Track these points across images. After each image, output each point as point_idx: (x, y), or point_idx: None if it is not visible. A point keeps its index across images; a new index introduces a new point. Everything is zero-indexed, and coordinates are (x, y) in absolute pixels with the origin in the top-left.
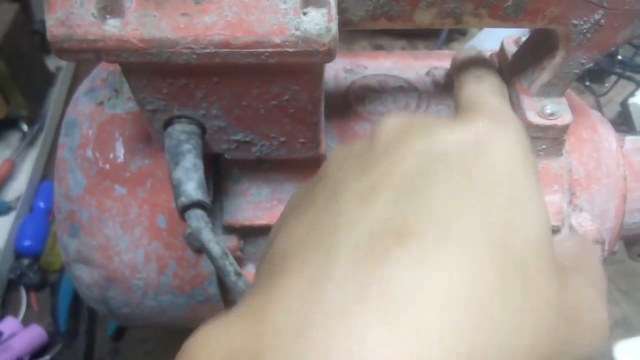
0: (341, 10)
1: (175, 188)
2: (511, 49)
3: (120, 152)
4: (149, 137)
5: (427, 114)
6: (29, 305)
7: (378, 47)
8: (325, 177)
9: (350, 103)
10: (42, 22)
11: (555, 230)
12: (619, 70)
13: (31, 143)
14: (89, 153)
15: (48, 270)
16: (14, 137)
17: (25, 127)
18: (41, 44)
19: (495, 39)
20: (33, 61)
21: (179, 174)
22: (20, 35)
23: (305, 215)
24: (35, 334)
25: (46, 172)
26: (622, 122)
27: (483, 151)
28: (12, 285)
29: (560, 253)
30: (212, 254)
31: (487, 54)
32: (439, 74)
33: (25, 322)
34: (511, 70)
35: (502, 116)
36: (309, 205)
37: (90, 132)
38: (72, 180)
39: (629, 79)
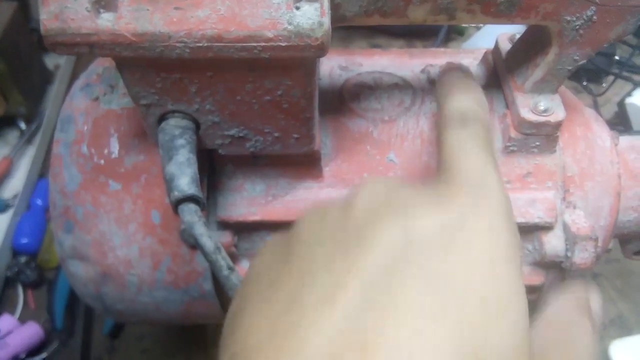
0: (335, 6)
1: (169, 182)
2: (506, 47)
3: (115, 147)
4: (144, 132)
5: (402, 183)
6: (25, 303)
7: (376, 47)
8: (293, 252)
9: (345, 99)
10: None
11: (549, 228)
12: (616, 70)
13: (29, 141)
14: (84, 149)
15: (45, 267)
16: (12, 135)
17: (23, 125)
18: (39, 42)
19: (492, 39)
20: (31, 59)
21: (172, 168)
22: (19, 34)
23: (269, 307)
24: (32, 331)
25: (44, 170)
26: (619, 122)
27: (462, 240)
28: (9, 283)
29: (542, 338)
30: (205, 248)
31: (478, 55)
32: (434, 71)
33: (22, 320)
34: (505, 67)
35: (485, 188)
36: (274, 292)
37: (86, 127)
38: (67, 175)
39: (626, 79)
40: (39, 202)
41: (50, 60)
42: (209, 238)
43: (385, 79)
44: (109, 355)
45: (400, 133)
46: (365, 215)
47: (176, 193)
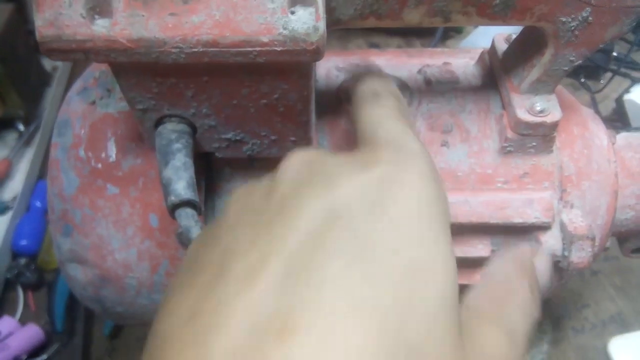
0: (330, 9)
1: (165, 187)
2: (502, 47)
3: (112, 151)
4: (141, 136)
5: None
6: (26, 305)
7: (373, 45)
8: (220, 236)
9: (342, 101)
10: None
11: (546, 227)
12: (614, 67)
13: (28, 143)
14: (82, 152)
15: (45, 269)
16: (11, 137)
17: (21, 127)
18: (37, 44)
19: (490, 37)
20: (29, 61)
21: (169, 173)
22: (16, 36)
23: (191, 291)
24: (32, 333)
25: (43, 172)
26: (617, 119)
27: (386, 200)
28: (9, 285)
29: (478, 294)
30: None
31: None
32: (431, 72)
33: (23, 321)
34: (502, 67)
35: (406, 150)
36: (198, 275)
37: (83, 131)
38: (65, 179)
39: (624, 75)
40: (38, 203)
41: (48, 62)
42: None
43: None
44: (110, 356)
45: None
46: (288, 188)
47: (173, 198)
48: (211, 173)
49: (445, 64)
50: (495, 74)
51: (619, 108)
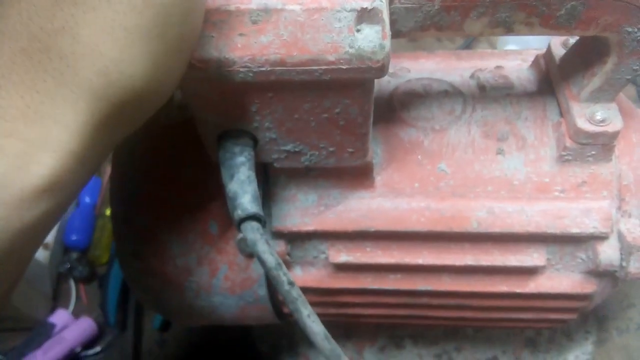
0: (391, 22)
1: (232, 200)
2: (559, 52)
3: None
4: (199, 145)
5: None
6: (78, 298)
7: (412, 38)
8: None
9: (395, 108)
10: None
11: (604, 237)
12: None
13: None
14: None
15: (96, 263)
16: None
17: None
18: None
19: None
20: None
21: (234, 186)
22: None
23: None
24: (86, 325)
25: None
26: None
27: None
28: (61, 279)
29: None
30: (267, 264)
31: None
32: (484, 76)
33: (76, 314)
34: (559, 74)
35: None
36: None
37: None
38: (129, 187)
39: None
40: (87, 199)
41: None
42: (271, 255)
43: (435, 85)
44: (160, 348)
45: (452, 142)
46: None
47: (239, 212)
48: (268, 181)
49: (498, 67)
50: (552, 80)
51: None
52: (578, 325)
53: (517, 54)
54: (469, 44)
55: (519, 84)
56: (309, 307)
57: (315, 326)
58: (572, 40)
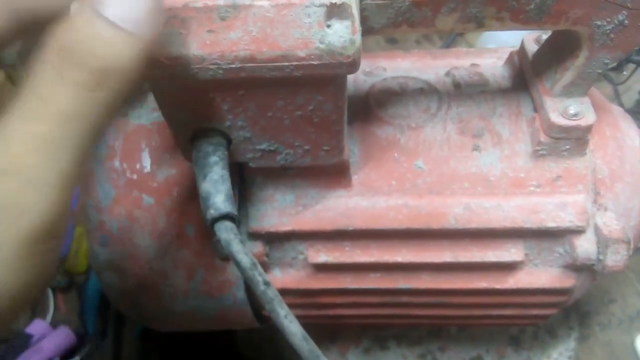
0: (363, 18)
1: (204, 200)
2: (532, 48)
3: (147, 162)
4: (174, 146)
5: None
6: (56, 307)
7: (392, 41)
8: None
9: (372, 107)
10: None
11: (580, 231)
12: (637, 58)
13: None
14: (117, 164)
15: (74, 272)
16: None
17: None
18: None
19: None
20: None
21: (207, 186)
22: None
23: None
24: (64, 335)
25: None
26: None
27: None
28: None
29: None
30: (242, 265)
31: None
32: (459, 74)
33: (54, 324)
34: (533, 69)
35: None
36: None
37: (117, 143)
38: (101, 191)
39: None
40: None
41: None
42: (245, 255)
43: (411, 83)
44: (141, 357)
45: (428, 140)
46: None
47: (212, 211)
48: (244, 181)
49: (473, 65)
50: (526, 75)
51: None
52: (561, 322)
53: (492, 52)
54: (448, 45)
55: (494, 81)
56: (285, 307)
57: (292, 327)
58: (545, 36)
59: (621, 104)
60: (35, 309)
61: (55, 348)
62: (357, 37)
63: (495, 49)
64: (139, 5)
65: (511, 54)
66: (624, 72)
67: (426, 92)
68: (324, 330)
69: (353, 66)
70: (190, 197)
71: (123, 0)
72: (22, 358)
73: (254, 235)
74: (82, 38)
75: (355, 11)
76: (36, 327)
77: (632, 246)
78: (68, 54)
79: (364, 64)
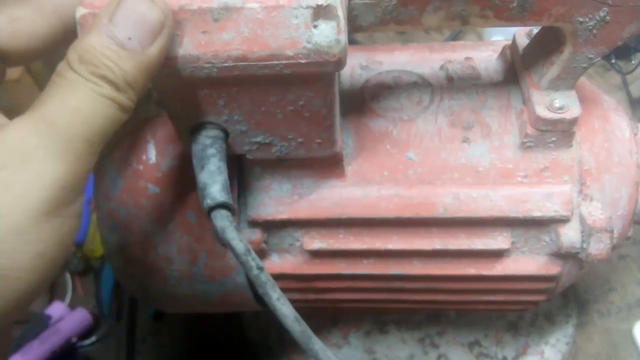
0: (351, 17)
1: (201, 190)
2: (523, 42)
3: (152, 153)
4: (177, 138)
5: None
6: (74, 290)
7: (401, 31)
8: None
9: (366, 100)
10: None
11: (565, 220)
12: None
13: None
14: (124, 155)
15: (91, 257)
16: None
17: None
18: None
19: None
20: None
21: (204, 177)
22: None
23: None
24: (81, 316)
25: None
26: None
27: None
28: None
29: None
30: (237, 250)
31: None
32: (453, 68)
33: (72, 306)
34: (522, 63)
35: None
36: None
37: (125, 136)
38: (110, 181)
39: None
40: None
41: None
42: (239, 241)
43: (405, 77)
44: (153, 337)
45: (419, 132)
46: None
47: (209, 201)
48: (243, 171)
49: (467, 59)
50: (516, 69)
51: None
52: (559, 309)
53: (488, 45)
54: (455, 36)
55: (486, 74)
56: (278, 290)
57: (285, 309)
58: (536, 30)
59: (629, 93)
60: (54, 292)
61: (72, 328)
62: (343, 37)
63: (492, 42)
64: (143, 26)
65: (504, 48)
66: (632, 62)
67: (419, 85)
68: (326, 315)
69: (339, 64)
70: (192, 186)
71: (129, 21)
72: (42, 338)
73: (253, 223)
74: (94, 54)
75: (341, 12)
76: (55, 309)
77: (615, 235)
78: (83, 65)
79: (362, 58)
